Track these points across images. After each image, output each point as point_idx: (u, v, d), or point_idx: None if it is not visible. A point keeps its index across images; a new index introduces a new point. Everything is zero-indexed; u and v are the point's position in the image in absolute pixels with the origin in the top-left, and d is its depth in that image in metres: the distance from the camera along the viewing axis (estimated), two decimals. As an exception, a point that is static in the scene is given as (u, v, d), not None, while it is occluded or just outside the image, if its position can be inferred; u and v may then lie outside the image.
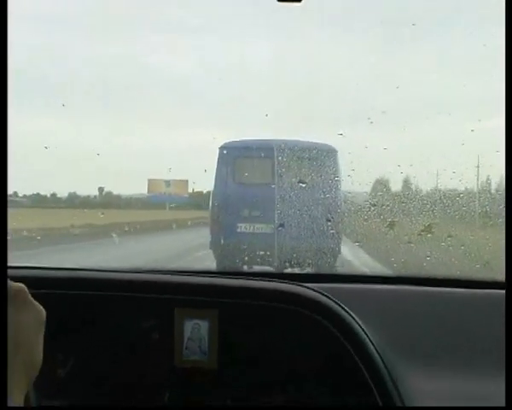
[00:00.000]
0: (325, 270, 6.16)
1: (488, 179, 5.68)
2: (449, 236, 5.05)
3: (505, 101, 1.35)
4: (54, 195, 10.26)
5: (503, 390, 1.26)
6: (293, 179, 5.81)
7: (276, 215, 5.91)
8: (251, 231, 7.07)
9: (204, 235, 8.38)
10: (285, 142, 6.15)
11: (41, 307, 0.99)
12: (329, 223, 5.90)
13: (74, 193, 10.11)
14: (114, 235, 7.37)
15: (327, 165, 6.04)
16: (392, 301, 1.93)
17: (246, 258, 6.38)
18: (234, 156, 7.50)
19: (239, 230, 7.15)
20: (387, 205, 5.16)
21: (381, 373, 1.60)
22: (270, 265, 6.01)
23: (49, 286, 1.63)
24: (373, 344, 1.64)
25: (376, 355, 1.62)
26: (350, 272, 6.69)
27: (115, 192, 9.95)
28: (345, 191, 5.80)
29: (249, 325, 1.69)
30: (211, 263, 6.93)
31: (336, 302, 1.67)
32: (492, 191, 5.59)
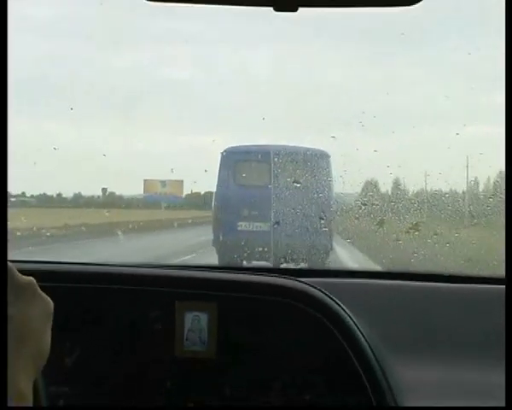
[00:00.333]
0: (318, 265, 6.22)
1: (472, 181, 5.69)
2: (435, 234, 5.06)
3: (505, 101, 1.34)
4: (59, 195, 10.24)
5: (491, 381, 1.27)
6: (288, 180, 5.89)
7: (273, 214, 6.04)
8: (250, 229, 7.24)
9: (197, 235, 8.44)
10: (282, 147, 6.32)
11: (49, 300, 0.99)
12: (322, 221, 5.94)
13: (79, 193, 10.09)
14: (120, 232, 7.43)
15: (320, 167, 6.12)
16: (381, 295, 1.93)
17: (245, 254, 6.55)
18: (235, 160, 7.76)
19: (239, 228, 7.32)
20: (377, 204, 5.17)
21: (371, 363, 1.60)
22: (267, 260, 6.13)
23: (56, 280, 1.63)
24: (363, 336, 1.64)
25: (366, 346, 1.62)
26: (342, 267, 6.71)
27: (118, 192, 9.91)
28: (337, 192, 5.83)
29: (246, 316, 1.69)
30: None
31: (329, 296, 1.67)
32: (475, 192, 5.60)
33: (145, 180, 9.16)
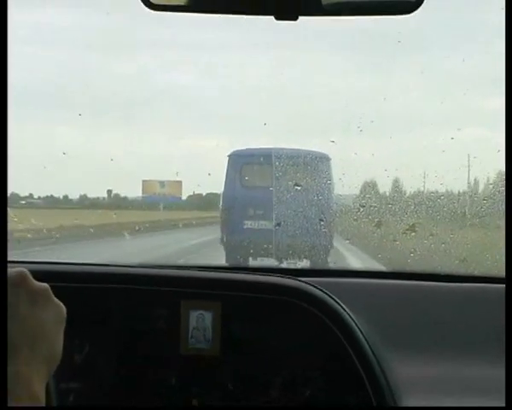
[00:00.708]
0: (319, 265, 6.25)
1: (468, 183, 5.68)
2: (431, 234, 5.05)
3: (505, 102, 1.34)
4: (66, 197, 10.21)
5: (489, 377, 1.26)
6: (290, 183, 5.93)
7: (274, 215, 6.11)
8: (256, 227, 7.38)
9: (191, 237, 8.46)
10: (285, 150, 6.39)
11: (62, 305, 1.00)
12: (322, 222, 5.96)
13: (85, 195, 10.05)
14: (126, 233, 7.45)
15: (320, 170, 6.15)
16: (381, 295, 1.93)
17: (251, 251, 6.69)
18: (241, 163, 7.90)
19: (245, 226, 7.46)
20: (375, 206, 5.16)
21: (370, 361, 1.60)
22: (271, 256, 6.20)
23: (62, 280, 1.62)
24: (362, 334, 1.64)
25: (366, 344, 1.62)
26: (342, 267, 6.73)
27: (122, 194, 9.86)
28: (336, 194, 5.83)
29: (249, 315, 1.69)
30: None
31: (329, 295, 1.67)
32: (470, 194, 5.59)
33: (144, 181, 8.90)
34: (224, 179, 7.76)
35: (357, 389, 1.59)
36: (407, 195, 5.56)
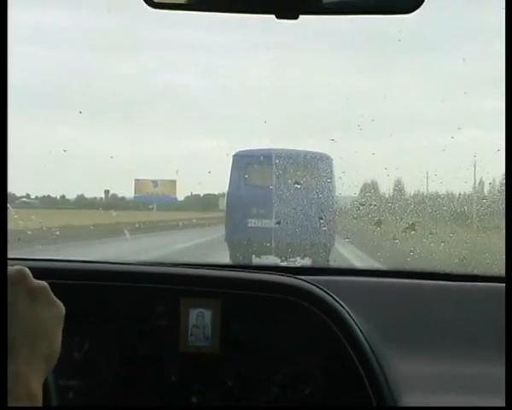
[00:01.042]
0: (319, 263, 6.27)
1: (467, 183, 5.67)
2: (430, 233, 5.04)
3: (505, 102, 1.33)
4: (63, 196, 10.17)
5: (488, 375, 1.26)
6: (290, 181, 5.96)
7: (274, 213, 6.15)
8: (259, 225, 7.49)
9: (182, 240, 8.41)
10: (288, 150, 6.45)
11: (61, 304, 1.00)
12: (322, 221, 5.97)
13: (82, 195, 10.00)
14: (126, 232, 7.43)
15: (321, 169, 6.19)
16: (381, 293, 1.92)
17: (254, 248, 6.78)
18: (245, 163, 7.98)
19: (249, 224, 7.58)
20: (375, 205, 5.16)
21: (369, 359, 1.60)
22: (272, 254, 6.26)
23: (62, 277, 1.62)
24: (362, 332, 1.63)
25: (365, 342, 1.62)
26: (342, 265, 6.72)
27: (119, 194, 9.79)
28: (336, 193, 5.84)
29: (249, 313, 1.68)
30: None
31: (329, 294, 1.66)
32: (470, 194, 5.59)
33: (136, 180, 8.56)
34: (229, 179, 7.86)
35: (357, 388, 1.58)
36: (407, 194, 5.56)
